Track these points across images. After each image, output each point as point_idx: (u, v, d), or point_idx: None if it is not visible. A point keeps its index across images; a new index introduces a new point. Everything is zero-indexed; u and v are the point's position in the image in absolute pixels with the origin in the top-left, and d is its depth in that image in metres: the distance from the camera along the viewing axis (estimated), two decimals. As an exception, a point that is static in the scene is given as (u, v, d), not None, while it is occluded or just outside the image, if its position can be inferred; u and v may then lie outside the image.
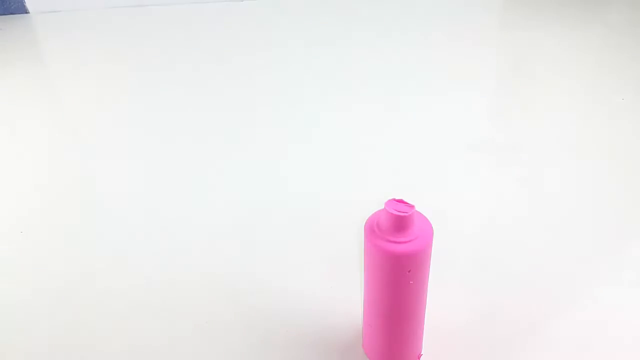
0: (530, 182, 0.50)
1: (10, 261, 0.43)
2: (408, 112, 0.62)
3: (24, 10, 0.93)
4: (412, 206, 0.28)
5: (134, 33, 0.86)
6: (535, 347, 0.35)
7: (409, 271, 0.29)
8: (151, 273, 0.42)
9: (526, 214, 0.46)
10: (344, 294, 0.36)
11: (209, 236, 0.45)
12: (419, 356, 0.34)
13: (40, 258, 0.43)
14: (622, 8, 0.90)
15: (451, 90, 0.66)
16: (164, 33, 0.86)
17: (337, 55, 0.77)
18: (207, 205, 0.48)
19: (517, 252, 0.42)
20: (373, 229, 0.29)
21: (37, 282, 0.41)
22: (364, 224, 0.30)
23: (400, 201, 0.28)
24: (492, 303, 0.38)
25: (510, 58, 0.75)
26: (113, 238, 0.45)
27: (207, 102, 0.66)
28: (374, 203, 0.48)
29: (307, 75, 0.71)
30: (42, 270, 0.42)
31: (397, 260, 0.28)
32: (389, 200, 0.28)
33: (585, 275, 0.40)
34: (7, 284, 0.41)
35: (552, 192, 0.49)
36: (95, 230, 0.46)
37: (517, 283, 0.39)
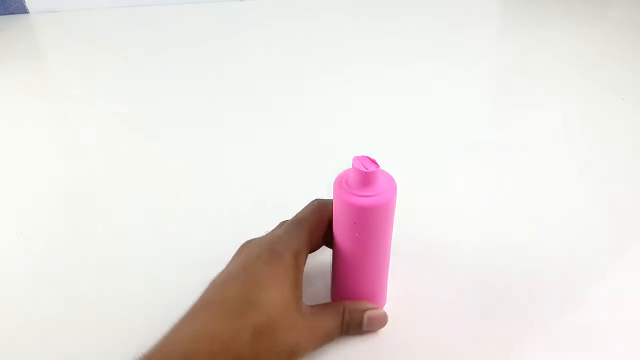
0: (530, 182, 0.50)
1: (10, 261, 0.43)
2: (408, 112, 0.62)
3: (24, 10, 0.93)
4: (377, 164, 0.30)
5: (134, 33, 0.86)
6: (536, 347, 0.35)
7: (354, 223, 0.31)
8: (151, 273, 0.42)
9: (526, 214, 0.46)
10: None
11: (209, 236, 0.45)
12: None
13: (40, 258, 0.43)
14: (622, 8, 0.90)
15: (451, 89, 0.66)
16: (165, 33, 0.86)
17: (337, 55, 0.77)
18: (212, 197, 0.48)
19: (517, 252, 0.42)
20: (341, 185, 0.31)
21: (37, 282, 0.41)
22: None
23: (367, 158, 0.30)
24: (491, 303, 0.38)
25: (510, 57, 0.75)
26: (113, 238, 0.45)
27: (207, 102, 0.66)
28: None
29: (307, 75, 0.71)
30: (42, 270, 0.42)
31: (363, 212, 0.30)
32: (356, 157, 0.30)
33: (584, 275, 0.40)
34: (7, 283, 0.41)
35: (552, 191, 0.49)
36: (95, 230, 0.46)
37: (516, 283, 0.39)
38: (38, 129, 0.62)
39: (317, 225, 0.33)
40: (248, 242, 0.34)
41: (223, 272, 0.32)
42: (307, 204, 0.35)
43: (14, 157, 0.57)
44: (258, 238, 0.34)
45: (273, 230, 0.35)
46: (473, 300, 0.38)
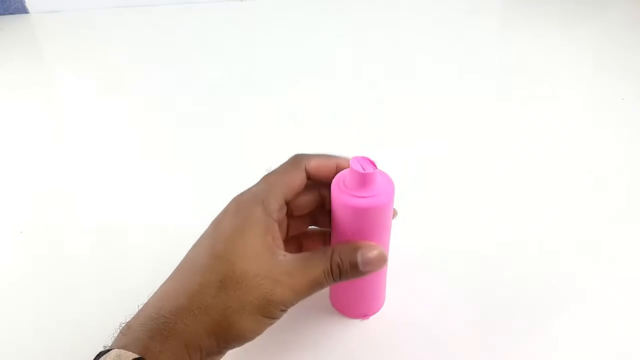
0: (530, 182, 0.50)
1: (10, 261, 0.43)
2: (407, 112, 0.62)
3: (24, 10, 0.93)
4: (375, 166, 0.30)
5: (134, 33, 0.86)
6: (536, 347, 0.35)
7: (352, 223, 0.31)
8: (153, 273, 0.41)
9: (526, 215, 0.46)
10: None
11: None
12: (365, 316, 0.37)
13: (40, 258, 0.43)
14: (622, 8, 0.90)
15: (450, 89, 0.66)
16: (165, 33, 0.86)
17: (337, 54, 0.77)
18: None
19: (517, 252, 0.42)
20: (339, 185, 0.31)
21: (37, 282, 0.41)
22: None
23: (366, 159, 0.30)
24: (491, 305, 0.38)
25: (510, 57, 0.75)
26: (114, 238, 0.45)
27: (207, 101, 0.66)
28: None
29: (308, 75, 0.71)
30: (42, 270, 0.42)
31: (360, 213, 0.30)
32: (355, 158, 0.30)
33: (584, 275, 0.40)
34: (7, 283, 0.41)
35: (552, 192, 0.49)
36: (95, 230, 0.46)
37: (516, 284, 0.39)
38: (38, 129, 0.62)
39: (290, 177, 0.32)
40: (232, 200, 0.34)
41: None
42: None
43: (14, 157, 0.57)
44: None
45: None
46: (473, 301, 0.38)
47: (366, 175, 0.30)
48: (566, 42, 0.78)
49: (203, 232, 0.32)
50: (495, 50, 0.79)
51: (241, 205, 0.31)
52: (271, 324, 0.30)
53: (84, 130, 0.61)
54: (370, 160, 0.30)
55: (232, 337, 0.29)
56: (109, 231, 0.46)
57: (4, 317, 0.38)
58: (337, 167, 0.33)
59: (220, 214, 0.32)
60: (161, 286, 0.31)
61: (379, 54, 0.76)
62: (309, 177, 0.33)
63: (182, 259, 0.32)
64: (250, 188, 0.33)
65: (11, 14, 0.93)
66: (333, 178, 0.32)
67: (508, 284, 0.39)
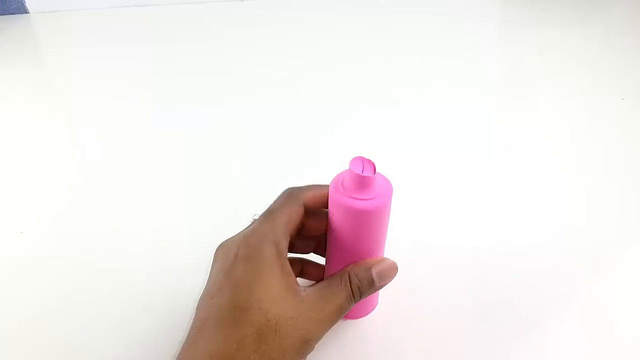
0: (530, 182, 0.50)
1: (10, 261, 0.43)
2: (406, 113, 0.62)
3: (24, 10, 0.93)
4: (374, 168, 0.30)
5: (134, 33, 0.86)
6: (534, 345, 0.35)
7: (349, 225, 0.31)
8: (153, 274, 0.42)
9: (526, 215, 0.46)
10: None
11: (213, 236, 0.45)
12: None
13: (40, 258, 0.43)
14: (622, 8, 0.90)
15: (450, 89, 0.66)
16: (164, 33, 0.86)
17: (336, 54, 0.77)
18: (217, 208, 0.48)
19: (517, 253, 0.42)
20: (337, 187, 0.31)
21: (37, 282, 0.41)
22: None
23: (366, 160, 0.30)
24: (491, 305, 0.38)
25: (510, 57, 0.75)
26: (114, 238, 0.45)
27: (207, 101, 0.66)
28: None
29: (308, 74, 0.71)
30: (42, 270, 0.42)
31: (358, 215, 0.30)
32: (354, 159, 0.30)
33: (584, 275, 0.40)
34: (7, 283, 0.41)
35: (552, 192, 0.49)
36: (95, 230, 0.46)
37: (516, 284, 0.39)
38: (38, 129, 0.62)
39: (290, 213, 0.32)
40: (221, 245, 0.32)
41: (206, 285, 0.31)
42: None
43: (14, 157, 0.57)
44: (231, 237, 0.32)
45: (246, 227, 0.34)
46: (472, 302, 0.38)
47: (365, 178, 0.29)
48: (566, 41, 0.78)
49: (206, 286, 0.30)
50: (494, 50, 0.79)
51: (252, 249, 0.30)
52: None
53: (84, 130, 0.61)
54: (370, 162, 0.30)
55: None
56: (109, 231, 0.46)
57: (4, 317, 0.38)
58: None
59: (222, 261, 0.30)
60: (186, 348, 0.28)
61: (379, 54, 0.76)
62: (306, 209, 0.33)
63: (194, 314, 0.29)
64: (252, 228, 0.31)
65: (11, 14, 0.93)
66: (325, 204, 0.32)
67: (506, 283, 0.39)
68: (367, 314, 0.37)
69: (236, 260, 0.29)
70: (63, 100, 0.69)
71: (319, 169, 0.53)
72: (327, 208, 0.32)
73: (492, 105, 0.64)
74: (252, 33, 0.85)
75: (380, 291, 0.36)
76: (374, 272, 0.31)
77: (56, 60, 0.80)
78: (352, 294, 0.30)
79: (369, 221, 0.31)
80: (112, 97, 0.68)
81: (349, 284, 0.31)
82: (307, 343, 0.28)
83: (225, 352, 0.26)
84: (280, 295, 0.28)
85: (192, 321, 0.29)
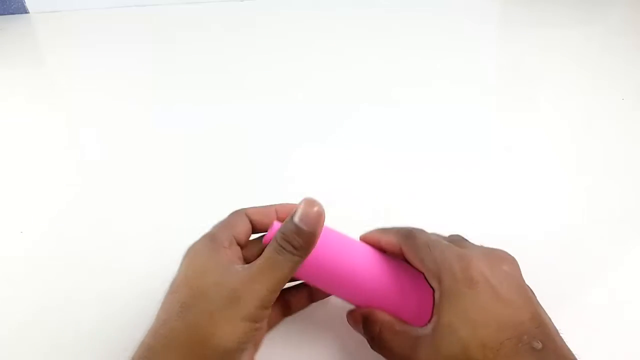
0: (530, 182, 0.50)
1: (10, 261, 0.43)
2: (407, 113, 0.62)
3: (24, 10, 0.93)
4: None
5: (134, 33, 0.86)
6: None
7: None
8: (152, 273, 0.41)
9: (526, 215, 0.46)
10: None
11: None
12: None
13: (40, 258, 0.43)
14: (622, 8, 0.90)
15: (450, 89, 0.66)
16: (164, 33, 0.86)
17: (336, 53, 0.77)
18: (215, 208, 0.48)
19: (516, 253, 0.42)
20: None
21: (37, 282, 0.41)
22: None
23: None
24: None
25: (510, 57, 0.75)
26: (114, 238, 0.45)
27: (207, 101, 0.66)
28: (370, 203, 0.48)
29: (308, 74, 0.71)
30: (42, 270, 0.42)
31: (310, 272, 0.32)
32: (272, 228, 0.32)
33: (584, 275, 0.40)
34: (7, 283, 0.41)
35: (552, 192, 0.49)
36: (95, 231, 0.46)
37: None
38: (38, 129, 0.62)
39: (231, 217, 0.33)
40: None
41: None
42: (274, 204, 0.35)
43: (14, 157, 0.57)
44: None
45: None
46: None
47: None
48: (566, 41, 0.78)
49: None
50: (494, 50, 0.79)
51: (190, 249, 0.32)
52: (256, 328, 0.28)
53: (84, 130, 0.61)
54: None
55: (216, 354, 0.26)
56: (109, 231, 0.46)
57: (4, 317, 0.38)
58: (276, 212, 0.34)
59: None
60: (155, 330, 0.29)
61: (379, 54, 0.76)
62: (251, 222, 0.33)
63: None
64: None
65: (11, 14, 0.93)
66: (272, 222, 0.33)
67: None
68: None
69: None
70: (63, 100, 0.69)
71: (319, 169, 0.53)
72: (269, 224, 0.33)
73: (492, 105, 0.64)
74: (252, 33, 0.84)
75: None
76: (296, 219, 0.29)
77: (56, 60, 0.80)
78: (281, 246, 0.29)
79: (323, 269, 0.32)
80: (112, 97, 0.68)
81: (275, 241, 0.29)
82: (239, 301, 0.27)
83: (152, 328, 0.28)
84: (211, 267, 0.29)
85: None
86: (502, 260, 0.31)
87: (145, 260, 0.42)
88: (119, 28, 0.88)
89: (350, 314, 0.34)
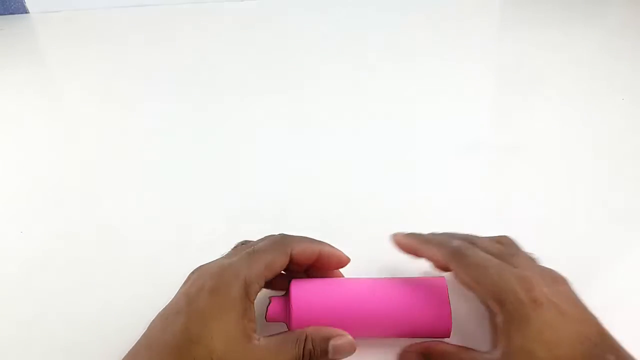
0: (530, 182, 0.50)
1: (10, 261, 0.43)
2: (407, 114, 0.62)
3: (24, 10, 0.93)
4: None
5: (134, 33, 0.86)
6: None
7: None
8: (152, 273, 0.42)
9: (526, 215, 0.46)
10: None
11: (211, 236, 0.45)
12: None
13: (40, 258, 0.43)
14: (622, 8, 0.90)
15: (450, 89, 0.66)
16: (164, 33, 0.86)
17: (337, 54, 0.77)
18: (209, 205, 0.48)
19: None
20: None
21: (37, 282, 0.41)
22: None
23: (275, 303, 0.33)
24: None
25: (510, 57, 0.75)
26: (114, 238, 0.45)
27: (207, 102, 0.66)
28: (369, 205, 0.48)
29: (308, 75, 0.71)
30: (42, 270, 0.42)
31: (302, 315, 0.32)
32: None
33: (584, 275, 0.40)
34: (7, 283, 0.41)
35: (552, 192, 0.49)
36: (95, 231, 0.46)
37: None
38: (38, 129, 0.62)
39: (273, 260, 0.31)
40: (198, 269, 0.32)
41: (168, 304, 0.31)
42: (269, 234, 0.34)
43: (14, 157, 0.57)
44: (208, 264, 0.32)
45: (227, 254, 0.34)
46: (473, 302, 0.38)
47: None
48: (566, 41, 0.78)
49: (167, 305, 0.31)
50: (494, 50, 0.79)
51: (222, 284, 0.29)
52: None
53: (84, 131, 0.61)
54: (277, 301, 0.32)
55: None
56: (110, 232, 0.46)
57: (4, 317, 0.38)
58: (319, 253, 0.33)
59: (190, 286, 0.31)
60: None
61: (379, 54, 0.76)
62: (290, 260, 0.33)
63: (148, 327, 0.30)
64: (230, 261, 0.31)
65: (11, 14, 0.93)
66: (312, 262, 0.33)
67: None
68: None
69: (202, 291, 0.29)
70: (63, 100, 0.69)
71: (319, 169, 0.53)
72: (312, 264, 0.33)
73: (491, 105, 0.64)
74: (252, 33, 0.85)
75: None
76: (331, 344, 0.30)
77: (56, 60, 0.80)
78: (302, 356, 0.30)
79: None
80: (112, 96, 0.68)
81: (302, 346, 0.30)
82: None
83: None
84: (233, 337, 0.28)
85: (142, 335, 0.29)
86: (556, 280, 0.32)
87: (145, 260, 0.42)
88: (119, 28, 0.88)
89: (406, 355, 0.33)
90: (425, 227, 0.45)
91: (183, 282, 0.32)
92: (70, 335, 0.37)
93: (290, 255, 0.32)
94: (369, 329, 0.32)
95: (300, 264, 0.33)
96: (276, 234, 0.34)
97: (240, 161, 0.54)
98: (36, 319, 0.38)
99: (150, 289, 0.40)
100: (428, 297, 0.33)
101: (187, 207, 0.48)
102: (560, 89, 0.66)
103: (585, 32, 0.82)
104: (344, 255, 0.34)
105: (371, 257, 0.38)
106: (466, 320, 0.35)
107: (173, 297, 0.31)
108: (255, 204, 0.48)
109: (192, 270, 0.32)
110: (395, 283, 0.34)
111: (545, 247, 0.43)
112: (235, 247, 0.35)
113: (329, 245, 0.34)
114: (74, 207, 0.49)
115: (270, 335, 0.30)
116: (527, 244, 0.43)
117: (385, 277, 0.34)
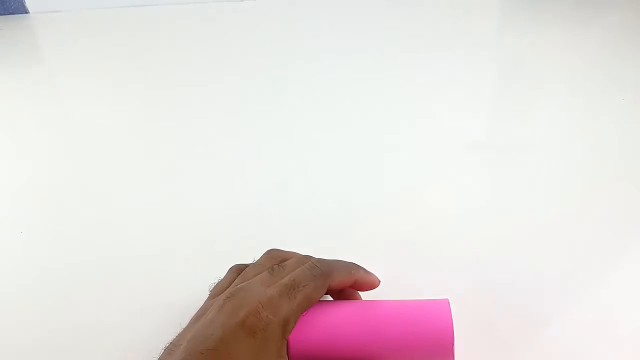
0: (530, 183, 0.50)
1: (10, 261, 0.43)
2: (407, 114, 0.62)
3: (24, 10, 0.93)
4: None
5: (134, 33, 0.86)
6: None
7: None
8: (153, 274, 0.42)
9: (526, 215, 0.46)
10: None
11: (213, 237, 0.45)
12: None
13: (40, 258, 0.43)
14: (622, 8, 0.90)
15: (450, 89, 0.66)
16: (164, 33, 0.86)
17: (337, 54, 0.77)
18: (207, 203, 0.48)
19: (516, 252, 0.42)
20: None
21: (37, 283, 0.41)
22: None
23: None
24: (493, 303, 0.38)
25: (510, 56, 0.75)
26: (114, 238, 0.45)
27: (207, 102, 0.66)
28: (367, 205, 0.48)
29: (308, 75, 0.71)
30: (42, 270, 0.42)
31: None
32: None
33: (584, 275, 0.40)
34: (7, 283, 0.41)
35: (552, 192, 0.49)
36: (95, 231, 0.46)
37: (516, 284, 0.39)
38: (38, 129, 0.62)
39: (314, 296, 0.30)
40: (239, 289, 0.30)
41: (199, 326, 0.29)
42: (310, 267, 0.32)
43: (14, 158, 0.57)
44: (249, 287, 0.30)
45: (263, 277, 0.32)
46: (472, 302, 0.38)
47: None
48: (566, 41, 0.78)
49: (199, 326, 0.28)
50: (495, 50, 0.79)
51: (261, 322, 0.28)
52: None
53: (84, 131, 0.61)
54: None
55: None
56: (110, 231, 0.46)
57: (4, 317, 0.38)
58: (355, 282, 0.33)
59: (230, 320, 0.28)
60: None
61: (378, 54, 0.76)
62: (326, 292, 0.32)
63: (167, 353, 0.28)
64: (271, 294, 0.30)
65: (11, 14, 0.93)
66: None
67: (506, 283, 0.39)
68: None
69: (242, 327, 0.28)
70: (63, 101, 0.69)
71: (320, 168, 0.53)
72: (343, 293, 0.33)
73: (491, 105, 0.64)
74: (252, 33, 0.85)
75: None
76: None
77: (56, 60, 0.80)
78: None
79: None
80: (112, 97, 0.68)
81: None
82: None
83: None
84: None
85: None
86: None
87: (145, 260, 0.42)
88: (119, 28, 0.88)
89: None
90: (425, 227, 0.45)
91: (213, 289, 0.32)
92: (70, 335, 0.37)
93: (329, 288, 0.31)
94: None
95: (332, 292, 0.33)
96: (312, 257, 0.33)
97: (242, 161, 0.54)
98: (36, 319, 0.38)
99: (151, 289, 0.40)
100: (429, 320, 0.31)
101: (188, 205, 0.48)
102: (561, 88, 0.66)
103: (585, 32, 0.82)
104: (377, 279, 0.34)
105: (372, 258, 0.38)
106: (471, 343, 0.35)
107: (205, 314, 0.29)
108: (256, 204, 0.48)
109: (230, 268, 0.33)
110: (392, 311, 0.32)
111: (545, 248, 0.43)
112: (266, 253, 0.34)
113: (364, 269, 0.34)
114: (74, 207, 0.49)
115: None
116: (527, 244, 0.43)
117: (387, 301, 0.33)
